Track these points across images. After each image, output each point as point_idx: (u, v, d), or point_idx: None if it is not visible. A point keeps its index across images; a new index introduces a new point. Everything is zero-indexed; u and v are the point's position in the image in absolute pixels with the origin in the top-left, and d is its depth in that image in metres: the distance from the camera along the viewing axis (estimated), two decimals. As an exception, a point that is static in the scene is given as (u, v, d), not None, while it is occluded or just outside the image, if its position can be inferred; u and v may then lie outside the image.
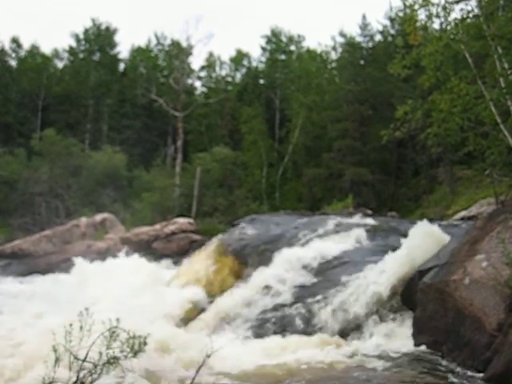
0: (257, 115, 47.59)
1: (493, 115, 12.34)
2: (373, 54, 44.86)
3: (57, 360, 3.03)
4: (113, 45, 58.35)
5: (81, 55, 58.11)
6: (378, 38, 46.78)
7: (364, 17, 46.34)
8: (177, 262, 21.01)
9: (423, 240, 11.70)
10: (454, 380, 7.80)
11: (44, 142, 42.69)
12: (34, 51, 57.80)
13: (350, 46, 46.07)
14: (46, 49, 76.66)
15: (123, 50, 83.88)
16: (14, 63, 56.61)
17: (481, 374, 7.84)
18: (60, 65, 59.88)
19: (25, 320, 11.17)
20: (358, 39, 46.47)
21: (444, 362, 8.65)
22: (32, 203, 38.92)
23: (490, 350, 7.91)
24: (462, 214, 23.24)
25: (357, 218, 18.25)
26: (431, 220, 14.73)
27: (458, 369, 8.24)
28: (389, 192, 39.67)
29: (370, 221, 17.95)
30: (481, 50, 13.00)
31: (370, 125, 40.00)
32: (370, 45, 46.25)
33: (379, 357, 9.05)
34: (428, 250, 11.23)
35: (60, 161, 41.39)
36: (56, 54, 59.25)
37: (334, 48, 52.32)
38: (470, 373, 8.01)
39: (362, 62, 45.05)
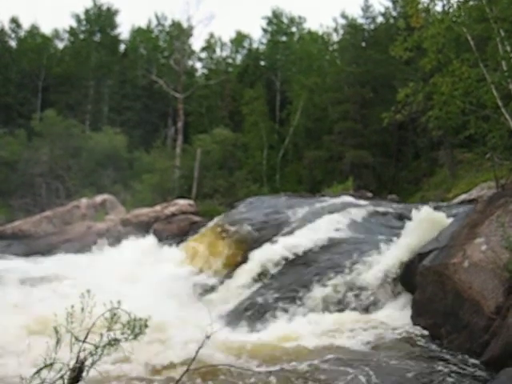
0: (258, 97, 47.51)
1: (494, 98, 12.31)
2: (374, 36, 44.65)
3: (58, 341, 3.05)
4: (113, 26, 58.09)
5: (81, 36, 57.84)
6: (380, 19, 46.54)
7: (366, -2, 46.13)
8: (178, 243, 21.04)
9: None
10: (452, 362, 7.85)
11: (44, 123, 42.62)
12: (33, 31, 57.55)
13: (352, 27, 45.88)
14: (46, 29, 76.22)
15: (124, 30, 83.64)
16: (13, 43, 56.37)
17: (478, 357, 7.89)
18: (60, 45, 59.65)
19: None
20: (360, 21, 46.32)
21: (442, 345, 8.70)
22: (32, 184, 38.93)
23: (488, 333, 7.95)
24: (463, 197, 23.24)
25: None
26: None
27: (456, 351, 8.29)
28: (389, 175, 39.68)
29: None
30: (483, 32, 12.94)
31: (371, 107, 39.90)
32: (372, 27, 46.04)
33: (376, 338, 9.09)
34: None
35: (60, 142, 41.32)
36: (56, 34, 59.03)
37: (335, 30, 52.22)
38: (467, 355, 8.06)
39: (363, 44, 44.88)
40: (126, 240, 21.68)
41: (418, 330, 9.49)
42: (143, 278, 14.51)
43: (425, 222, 11.75)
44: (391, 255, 11.74)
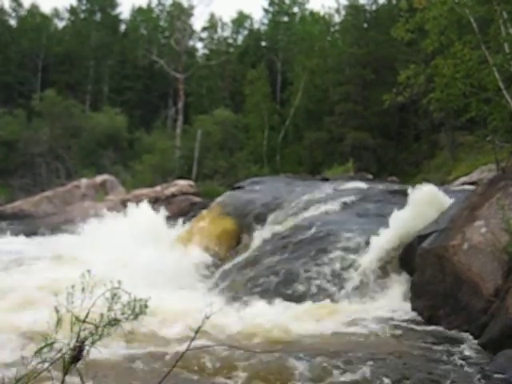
0: (260, 77, 47.39)
1: (496, 81, 12.27)
2: (376, 17, 44.42)
3: (59, 321, 3.07)
4: (114, 5, 57.83)
5: (82, 15, 57.58)
6: (382, 0, 46.24)
7: (368, -22, 45.78)
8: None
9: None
10: (450, 344, 7.89)
11: (44, 103, 42.60)
12: (33, 10, 57.27)
13: (354, 8, 45.59)
14: (46, 8, 75.65)
15: (124, 10, 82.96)
16: (13, 22, 56.13)
17: (476, 339, 7.93)
18: (60, 25, 59.44)
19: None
20: (362, 2, 45.97)
21: (440, 327, 8.74)
22: (32, 164, 38.99)
23: (487, 315, 7.99)
24: (463, 179, 23.27)
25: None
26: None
27: (454, 333, 8.33)
28: (390, 157, 39.67)
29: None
30: (486, 14, 12.86)
31: (372, 89, 39.79)
32: (374, 8, 45.75)
33: (375, 321, 9.13)
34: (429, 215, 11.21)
35: (60, 122, 41.33)
36: (56, 13, 58.81)
37: (337, 10, 51.92)
38: (465, 337, 8.10)
39: (365, 26, 44.65)
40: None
41: (416, 312, 9.54)
42: (140, 258, 14.47)
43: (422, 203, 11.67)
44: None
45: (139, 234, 16.50)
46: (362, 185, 17.42)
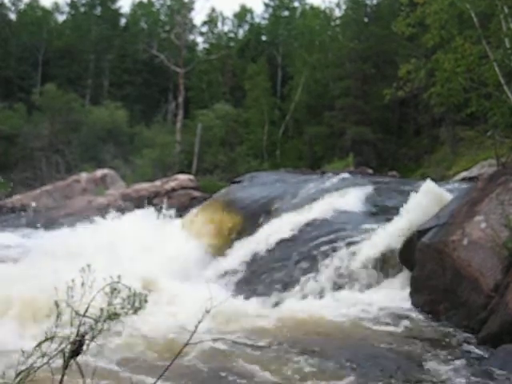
0: (260, 72, 47.32)
1: (496, 76, 12.25)
2: (377, 11, 44.32)
3: (58, 315, 3.07)
4: (114, -2, 57.76)
5: (82, 9, 57.47)
6: (382, -5, 46.15)
7: (369, -28, 45.68)
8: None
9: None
10: (449, 339, 7.90)
11: (44, 97, 42.55)
12: (33, 4, 57.18)
13: (354, 3, 45.46)
14: (46, 2, 75.51)
15: (124, 4, 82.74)
16: (13, 17, 56.05)
17: (476, 334, 7.94)
18: (60, 19, 59.38)
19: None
20: (363, -4, 45.90)
21: (440, 322, 8.74)
22: (32, 158, 38.97)
23: (486, 311, 8.00)
24: (463, 174, 23.26)
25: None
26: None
27: (454, 328, 8.34)
28: (390, 151, 39.63)
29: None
30: (487, 9, 12.83)
31: (373, 83, 39.74)
32: (375, 2, 45.66)
33: (375, 316, 9.12)
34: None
35: (60, 116, 41.31)
36: (56, 7, 58.75)
37: (337, 5, 51.91)
38: (465, 332, 8.11)
39: (365, 20, 44.55)
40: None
41: (415, 307, 9.54)
42: (144, 252, 14.47)
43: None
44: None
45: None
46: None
